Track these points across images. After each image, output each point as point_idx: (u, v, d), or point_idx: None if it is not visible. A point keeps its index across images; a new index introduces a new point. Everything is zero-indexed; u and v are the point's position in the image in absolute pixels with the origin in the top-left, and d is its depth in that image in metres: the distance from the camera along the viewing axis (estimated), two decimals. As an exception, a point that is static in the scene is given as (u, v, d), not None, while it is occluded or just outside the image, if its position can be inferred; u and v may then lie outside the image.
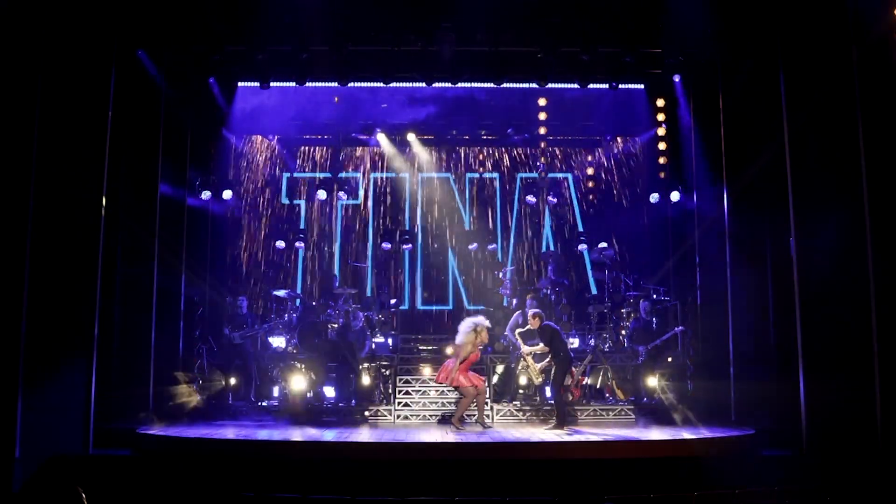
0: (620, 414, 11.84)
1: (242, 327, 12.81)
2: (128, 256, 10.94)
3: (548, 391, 11.42)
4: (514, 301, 13.59)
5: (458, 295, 15.52)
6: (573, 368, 11.17)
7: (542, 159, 15.58)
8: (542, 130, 15.15)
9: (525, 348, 10.96)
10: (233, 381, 12.76)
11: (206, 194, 13.28)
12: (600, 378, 12.73)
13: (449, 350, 12.01)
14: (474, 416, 10.98)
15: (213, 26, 11.75)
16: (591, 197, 15.82)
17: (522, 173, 15.85)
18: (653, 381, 12.61)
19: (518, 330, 11.18)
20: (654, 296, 13.40)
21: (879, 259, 9.00)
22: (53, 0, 9.51)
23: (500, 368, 12.69)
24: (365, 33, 11.95)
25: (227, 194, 13.89)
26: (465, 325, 10.85)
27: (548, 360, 10.82)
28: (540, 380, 11.17)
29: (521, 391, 12.24)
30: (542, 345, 10.81)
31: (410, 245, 15.23)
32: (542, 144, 15.56)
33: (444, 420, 11.42)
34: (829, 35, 9.66)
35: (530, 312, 11.03)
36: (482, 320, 10.95)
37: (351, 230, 15.68)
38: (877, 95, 9.19)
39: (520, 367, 11.87)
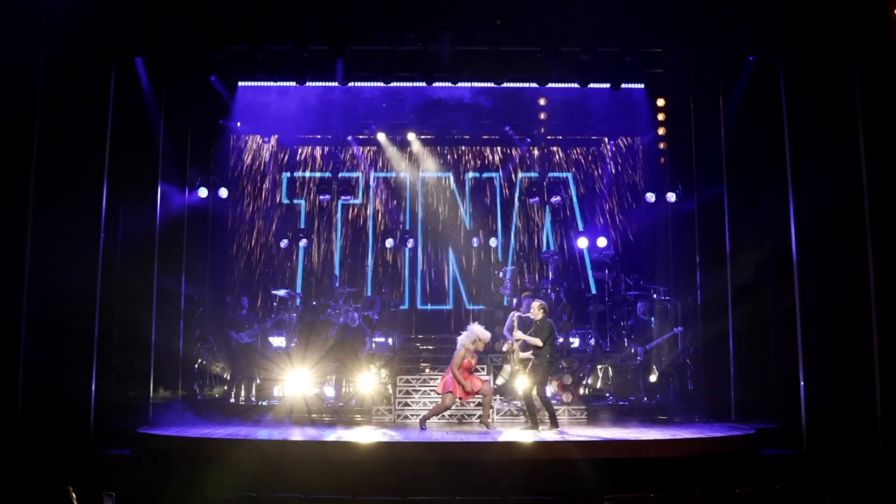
0: (620, 414, 11.84)
1: (246, 327, 12.84)
2: (128, 256, 10.92)
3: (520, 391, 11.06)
4: (515, 301, 13.60)
5: (459, 295, 15.52)
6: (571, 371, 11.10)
7: (543, 158, 15.57)
8: (542, 130, 15.14)
9: (518, 333, 10.65)
10: (233, 379, 12.81)
11: (203, 191, 13.27)
12: (600, 378, 12.74)
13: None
14: (479, 414, 10.97)
15: (213, 26, 11.75)
16: (591, 197, 15.81)
17: (522, 173, 15.86)
18: (652, 381, 12.62)
19: (517, 313, 11.05)
20: (655, 295, 13.41)
21: (879, 259, 9.00)
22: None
23: (506, 369, 12.67)
24: (365, 33, 11.96)
25: (223, 192, 13.91)
26: (466, 331, 10.80)
27: (531, 352, 10.46)
28: (517, 368, 10.73)
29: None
30: (536, 339, 10.40)
31: (411, 244, 15.24)
32: (543, 144, 15.54)
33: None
34: (830, 32, 9.66)
35: (536, 303, 10.63)
36: (480, 332, 10.71)
37: (351, 230, 15.69)
38: (877, 93, 9.19)
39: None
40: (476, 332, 10.71)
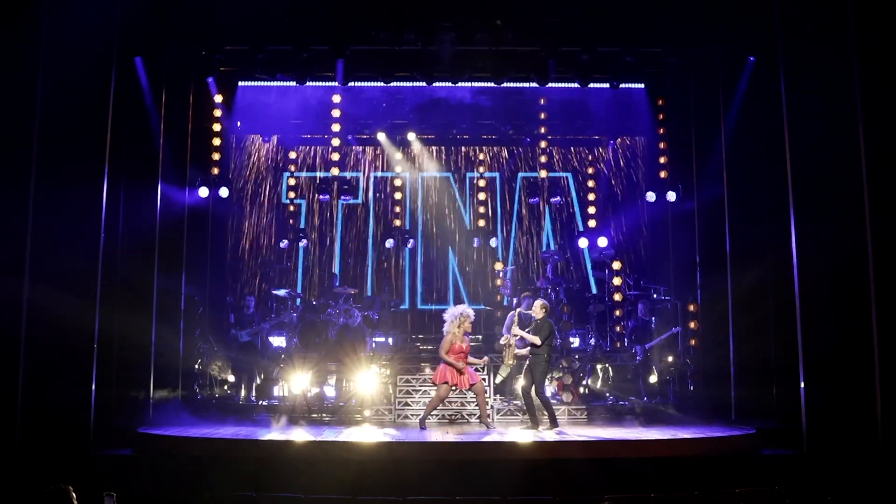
0: (620, 414, 11.84)
1: (250, 325, 12.86)
2: (128, 256, 10.92)
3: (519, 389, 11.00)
4: (515, 301, 13.60)
5: (459, 295, 15.52)
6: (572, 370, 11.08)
7: (543, 158, 15.58)
8: (542, 130, 15.16)
9: (517, 329, 10.59)
10: (233, 379, 12.81)
11: (203, 191, 13.27)
12: (600, 378, 12.73)
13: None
14: (478, 414, 10.96)
15: (212, 26, 11.76)
16: (591, 197, 15.82)
17: (522, 173, 15.87)
18: (652, 381, 12.61)
19: (520, 309, 11.01)
20: (655, 295, 13.42)
21: (880, 259, 9.00)
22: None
23: (504, 369, 12.66)
24: (365, 33, 11.96)
25: (223, 192, 13.91)
26: (447, 315, 10.73)
27: (527, 350, 10.45)
28: (511, 362, 10.74)
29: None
30: (535, 337, 10.32)
31: (411, 244, 15.24)
32: (543, 144, 15.55)
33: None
34: (830, 32, 9.66)
35: (539, 302, 10.55)
36: (460, 310, 10.65)
37: (351, 229, 15.70)
38: (878, 92, 9.19)
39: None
40: (456, 313, 10.56)
